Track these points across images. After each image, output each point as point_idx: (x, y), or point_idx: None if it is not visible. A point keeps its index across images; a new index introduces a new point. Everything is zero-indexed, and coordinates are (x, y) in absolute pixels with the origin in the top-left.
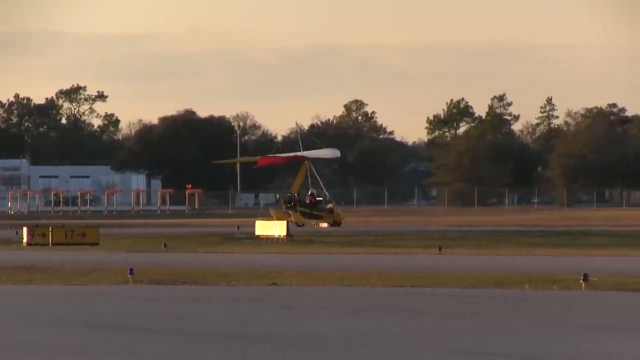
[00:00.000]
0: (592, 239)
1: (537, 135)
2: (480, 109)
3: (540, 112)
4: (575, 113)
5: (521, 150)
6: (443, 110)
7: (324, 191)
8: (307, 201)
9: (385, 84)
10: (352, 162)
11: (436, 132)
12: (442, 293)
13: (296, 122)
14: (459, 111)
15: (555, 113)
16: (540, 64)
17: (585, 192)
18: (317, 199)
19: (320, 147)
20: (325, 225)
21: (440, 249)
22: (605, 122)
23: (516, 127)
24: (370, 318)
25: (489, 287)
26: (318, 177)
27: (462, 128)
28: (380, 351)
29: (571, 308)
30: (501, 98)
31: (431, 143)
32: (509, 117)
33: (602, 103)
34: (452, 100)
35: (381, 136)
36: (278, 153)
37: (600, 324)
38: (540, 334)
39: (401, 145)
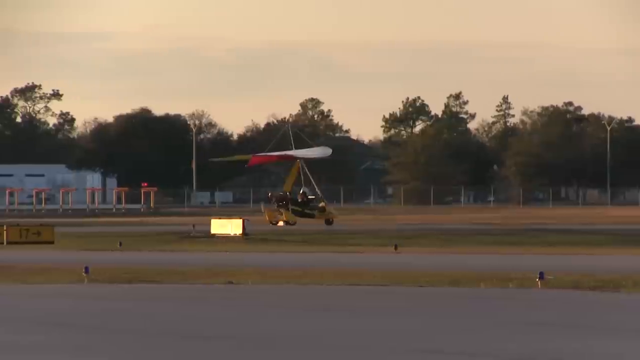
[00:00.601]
0: (548, 237)
1: (493, 133)
2: (437, 108)
3: (497, 110)
4: (531, 112)
5: (477, 148)
6: (399, 108)
7: (316, 190)
8: (299, 200)
9: (342, 82)
10: (308, 161)
11: (392, 131)
12: (398, 291)
13: (287, 121)
14: (415, 110)
15: (511, 112)
16: (496, 62)
17: (541, 190)
18: (309, 197)
19: (311, 146)
20: (281, 223)
21: (396, 247)
22: (561, 121)
23: (472, 125)
24: (325, 316)
25: (445, 285)
26: (310, 176)
27: (418, 126)
28: (332, 350)
29: (527, 306)
30: (457, 96)
31: (387, 141)
32: (465, 116)
33: (558, 101)
34: (408, 99)
35: (337, 135)
36: (270, 151)
37: (555, 322)
38: (496, 332)
39: (357, 143)
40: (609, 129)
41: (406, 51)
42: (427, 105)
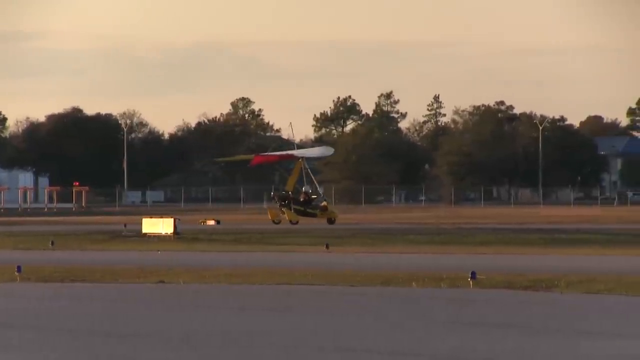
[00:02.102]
0: (480, 237)
1: (424, 133)
2: (368, 107)
3: (428, 109)
4: (462, 111)
5: (408, 148)
6: (330, 108)
7: (318, 189)
8: (301, 199)
9: (272, 81)
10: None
11: (323, 130)
12: (329, 291)
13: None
14: (346, 109)
15: (442, 111)
16: (428, 61)
17: (472, 190)
18: (312, 197)
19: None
20: (212, 222)
21: (327, 246)
22: (493, 120)
23: (403, 124)
24: (255, 316)
25: (377, 284)
26: (312, 175)
27: (349, 126)
28: (261, 348)
29: (459, 306)
30: (388, 96)
31: (318, 141)
32: (396, 115)
33: (490, 101)
34: (339, 98)
35: (268, 134)
36: (273, 151)
37: (487, 322)
38: (428, 332)
39: (288, 143)
40: (540, 128)
41: (337, 50)
42: (358, 105)
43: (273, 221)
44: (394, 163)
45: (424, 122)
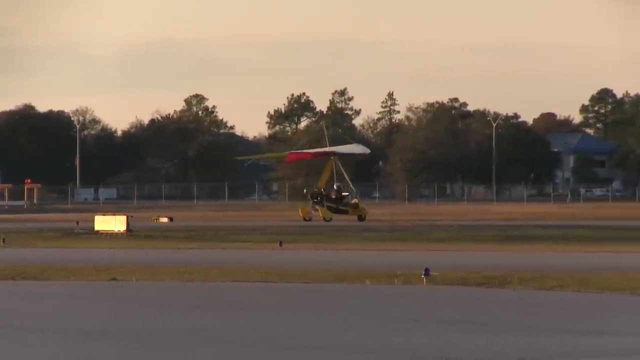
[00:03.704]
0: (434, 234)
1: (378, 129)
2: (321, 104)
3: (382, 106)
4: (416, 108)
5: (362, 144)
6: (284, 104)
7: (350, 186)
8: (333, 196)
9: (226, 78)
10: (192, 157)
11: (277, 127)
12: (283, 288)
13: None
14: (300, 106)
15: (396, 108)
16: (382, 58)
17: (426, 187)
18: (343, 194)
19: (350, 143)
20: (165, 220)
21: (280, 243)
22: (447, 117)
23: (357, 121)
24: (209, 313)
25: (330, 281)
26: (344, 173)
27: (303, 123)
28: (215, 346)
29: (412, 302)
30: (342, 93)
31: (272, 138)
32: (350, 112)
33: (444, 98)
34: (293, 95)
35: (222, 131)
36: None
37: (440, 319)
38: (381, 329)
39: (242, 139)
40: (494, 125)
41: (291, 47)
42: (312, 102)
43: (304, 218)
44: (347, 160)
45: (378, 119)
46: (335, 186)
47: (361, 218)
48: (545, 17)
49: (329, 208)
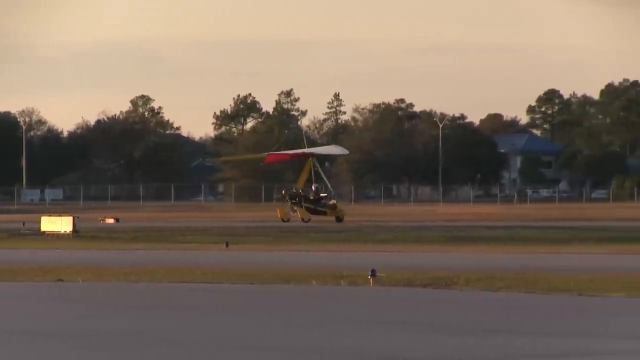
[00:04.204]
0: (380, 235)
1: (324, 130)
2: (268, 105)
3: (328, 107)
4: (362, 109)
5: (308, 145)
6: (230, 105)
7: (328, 187)
8: (311, 197)
9: (172, 79)
10: (139, 158)
11: (223, 128)
12: (229, 289)
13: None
14: (246, 106)
15: (342, 109)
16: (328, 59)
17: (372, 188)
18: (321, 195)
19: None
20: (111, 220)
21: (227, 244)
22: (393, 118)
23: (304, 122)
24: (156, 314)
25: (277, 282)
26: (322, 174)
27: (249, 123)
28: (161, 347)
29: (358, 304)
30: (288, 93)
31: (218, 138)
32: (296, 113)
33: (390, 99)
34: (239, 96)
35: (168, 132)
36: (280, 150)
37: (386, 320)
38: (327, 330)
39: (188, 140)
40: (440, 126)
41: (237, 48)
42: (258, 102)
43: (282, 219)
44: (293, 161)
45: (324, 120)
46: (313, 187)
47: (339, 219)
48: (491, 18)
49: (307, 209)
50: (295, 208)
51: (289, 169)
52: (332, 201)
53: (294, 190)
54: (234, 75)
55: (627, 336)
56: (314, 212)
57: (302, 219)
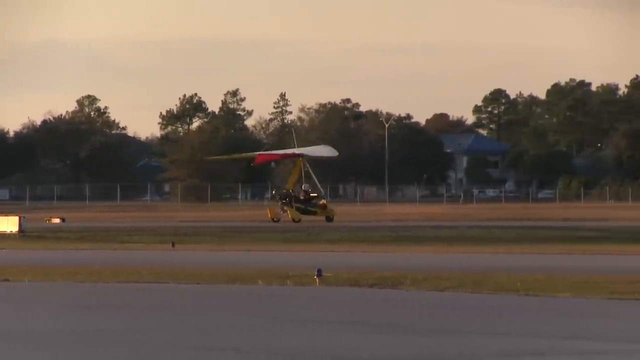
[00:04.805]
0: (327, 235)
1: (270, 130)
2: (214, 105)
3: (274, 107)
4: (308, 109)
5: (255, 145)
6: (176, 105)
7: (318, 187)
8: (301, 197)
9: (118, 79)
10: (85, 158)
11: (169, 128)
12: (175, 289)
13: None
14: (192, 106)
15: (288, 108)
16: (274, 59)
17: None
18: (311, 195)
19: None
20: (57, 220)
21: (173, 244)
22: (339, 118)
23: (250, 122)
24: (102, 314)
25: (223, 282)
26: (312, 174)
27: (196, 123)
28: (107, 347)
29: (304, 304)
30: (234, 93)
31: (164, 138)
32: (242, 113)
33: (336, 98)
34: (185, 96)
35: (114, 131)
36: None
37: (332, 320)
38: (273, 330)
39: (134, 140)
40: (386, 126)
41: (183, 47)
42: (204, 102)
43: (272, 219)
44: (239, 161)
45: (270, 120)
46: (303, 187)
47: (329, 219)
48: (438, 18)
49: (297, 209)
50: (286, 208)
51: (235, 169)
52: (322, 201)
53: (285, 191)
54: (180, 75)
55: (571, 336)
56: (304, 212)
57: (293, 219)
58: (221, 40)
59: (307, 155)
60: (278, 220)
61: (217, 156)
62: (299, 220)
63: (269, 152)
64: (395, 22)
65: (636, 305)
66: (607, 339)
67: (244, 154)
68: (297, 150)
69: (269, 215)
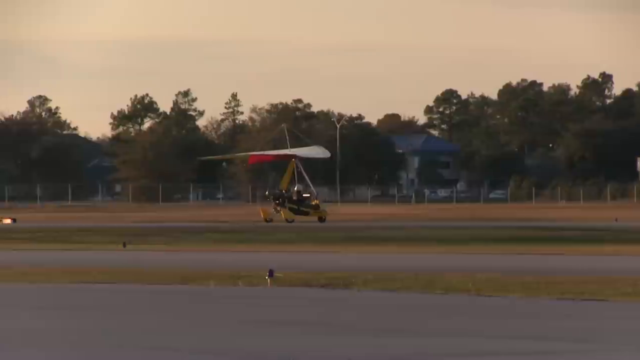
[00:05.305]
0: (278, 235)
1: (222, 131)
2: (165, 105)
3: (225, 108)
4: (260, 109)
5: (206, 146)
6: (127, 106)
7: (311, 188)
8: (294, 198)
9: (70, 79)
10: (36, 158)
11: (121, 128)
12: (127, 289)
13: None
14: (143, 107)
15: (240, 109)
16: (225, 60)
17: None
18: (304, 195)
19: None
20: (8, 221)
21: (124, 245)
22: (290, 118)
23: (201, 122)
24: (51, 314)
25: (174, 283)
26: (305, 175)
27: (147, 124)
28: (57, 348)
29: (256, 304)
30: (186, 94)
31: (115, 139)
32: (194, 113)
33: (287, 99)
34: (136, 96)
35: (65, 132)
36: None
37: (284, 320)
38: (224, 330)
39: (85, 141)
40: (338, 126)
41: (134, 47)
42: (156, 103)
43: (265, 220)
44: (191, 161)
45: (222, 120)
46: (296, 188)
47: (322, 219)
48: (389, 18)
49: (290, 209)
50: (279, 208)
51: (186, 169)
52: (315, 201)
53: (278, 191)
54: (132, 75)
55: (521, 336)
56: (298, 212)
57: (286, 220)
58: (172, 40)
59: (300, 156)
60: (271, 221)
61: (211, 157)
62: (292, 221)
63: (261, 152)
64: (347, 23)
65: (586, 305)
66: (557, 339)
67: (236, 155)
68: (290, 151)
69: (262, 216)
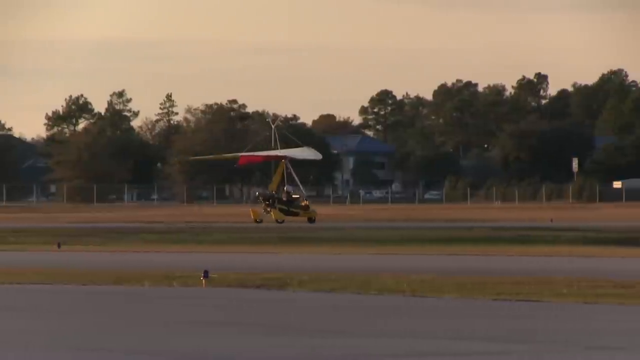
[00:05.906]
0: (213, 236)
1: (157, 131)
2: (100, 106)
3: (160, 108)
4: (194, 109)
5: (140, 146)
6: (62, 106)
7: (301, 189)
8: (284, 198)
9: (4, 79)
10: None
11: (55, 129)
12: (61, 290)
13: (272, 120)
14: (78, 107)
15: (175, 109)
16: (160, 60)
17: (205, 188)
18: (294, 196)
19: (300, 146)
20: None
21: (59, 245)
22: (225, 119)
23: (136, 123)
24: None
25: (109, 283)
26: (295, 175)
27: (82, 124)
28: None
29: (191, 305)
30: (120, 94)
31: (50, 139)
32: (128, 114)
33: (222, 99)
34: (71, 97)
35: None
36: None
37: (219, 321)
38: (159, 331)
39: (20, 141)
40: (273, 127)
41: (69, 48)
42: (90, 103)
43: (255, 220)
44: (126, 162)
45: (157, 121)
46: (286, 189)
47: (311, 220)
48: (324, 19)
49: (281, 210)
50: (270, 209)
51: (121, 170)
52: (305, 202)
53: (268, 192)
54: (66, 75)
55: (455, 337)
56: (288, 213)
57: (276, 220)
58: (107, 41)
59: (290, 157)
60: (261, 221)
61: (200, 157)
62: (282, 221)
63: (252, 153)
64: (282, 23)
65: (522, 306)
66: (492, 340)
67: (226, 155)
68: (280, 152)
69: (252, 217)
